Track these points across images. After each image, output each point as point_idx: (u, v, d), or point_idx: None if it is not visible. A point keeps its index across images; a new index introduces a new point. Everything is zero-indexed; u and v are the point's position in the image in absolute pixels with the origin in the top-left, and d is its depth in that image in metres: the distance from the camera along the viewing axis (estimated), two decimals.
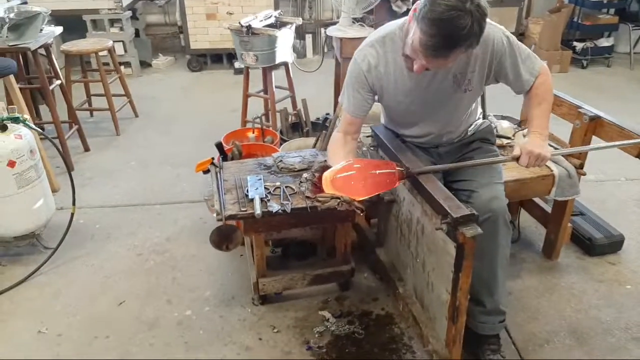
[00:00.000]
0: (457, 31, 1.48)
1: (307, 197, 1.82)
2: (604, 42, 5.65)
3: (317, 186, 1.82)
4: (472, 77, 1.84)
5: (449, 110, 1.94)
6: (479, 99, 2.14)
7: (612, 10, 5.67)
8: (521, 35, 5.88)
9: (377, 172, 1.75)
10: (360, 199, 1.78)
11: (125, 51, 5.41)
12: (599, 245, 2.55)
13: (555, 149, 2.36)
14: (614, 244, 2.59)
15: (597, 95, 4.88)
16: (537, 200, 2.62)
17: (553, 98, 1.91)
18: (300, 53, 6.06)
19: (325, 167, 1.84)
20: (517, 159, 1.79)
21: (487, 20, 1.79)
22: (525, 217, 2.77)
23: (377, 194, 1.81)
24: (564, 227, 2.45)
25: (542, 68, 1.87)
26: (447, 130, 2.03)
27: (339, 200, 1.76)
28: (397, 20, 1.85)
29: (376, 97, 1.96)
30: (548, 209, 2.53)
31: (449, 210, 1.54)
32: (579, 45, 5.58)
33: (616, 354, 2.04)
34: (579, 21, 5.60)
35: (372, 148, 2.20)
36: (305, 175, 2.05)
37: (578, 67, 5.64)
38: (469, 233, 1.50)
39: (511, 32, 6.17)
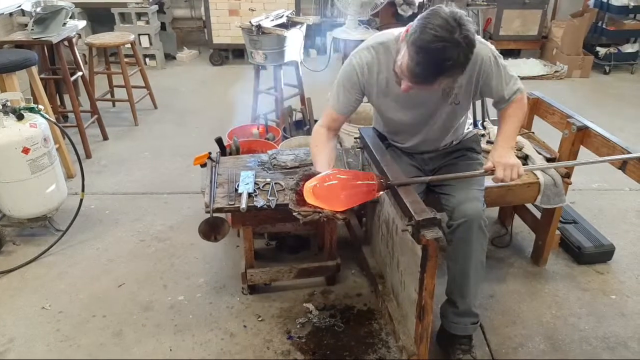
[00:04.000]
0: (442, 62, 1.53)
1: (290, 210, 1.78)
2: (629, 48, 5.54)
3: (301, 195, 1.78)
4: (459, 92, 1.89)
5: (436, 121, 1.99)
6: (469, 111, 2.20)
7: (638, 16, 5.54)
8: (544, 38, 5.81)
9: (358, 183, 1.77)
10: (341, 210, 1.77)
11: (151, 44, 5.60)
12: (588, 254, 2.56)
13: (548, 159, 2.41)
14: (604, 254, 2.59)
15: (616, 103, 4.83)
16: (529, 206, 2.66)
17: (524, 118, 1.99)
18: (321, 50, 6.14)
19: (309, 176, 1.80)
20: (492, 170, 1.82)
21: (478, 38, 1.84)
22: (519, 222, 2.80)
23: (357, 205, 1.81)
24: (552, 234, 2.48)
25: (520, 90, 1.93)
26: (433, 140, 2.09)
27: (320, 215, 1.74)
28: (394, 31, 1.89)
29: (365, 99, 2.04)
30: (539, 215, 2.56)
31: (413, 213, 1.61)
32: (602, 51, 5.49)
33: None
34: (604, 26, 5.51)
35: (358, 149, 2.27)
36: (290, 183, 1.92)
37: (600, 73, 5.56)
38: (429, 235, 1.56)
39: (534, 36, 6.16)
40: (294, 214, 1.77)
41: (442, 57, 1.52)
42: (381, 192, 1.86)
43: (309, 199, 1.74)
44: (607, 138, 2.15)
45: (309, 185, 1.75)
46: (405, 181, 1.83)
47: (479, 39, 1.85)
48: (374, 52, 1.89)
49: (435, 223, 1.60)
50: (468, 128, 2.22)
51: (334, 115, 2.00)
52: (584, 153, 2.33)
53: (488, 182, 2.08)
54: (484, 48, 1.83)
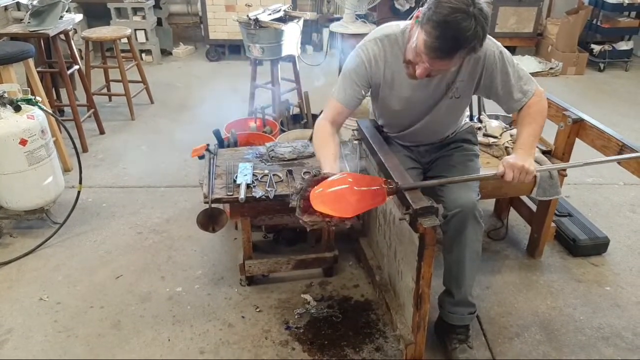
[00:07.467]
0: (461, 33, 1.52)
1: (298, 218, 1.66)
2: (623, 46, 5.58)
3: (309, 201, 1.64)
4: (460, 86, 1.89)
5: (435, 114, 2.00)
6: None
7: (632, 14, 5.58)
8: (539, 35, 5.84)
9: (367, 188, 1.67)
10: (350, 216, 1.66)
11: (147, 39, 5.60)
12: (583, 246, 2.58)
13: (544, 152, 2.42)
14: (598, 246, 2.62)
15: (611, 100, 4.86)
16: (524, 199, 2.68)
17: (545, 121, 1.91)
18: (317, 46, 6.15)
19: (317, 181, 1.67)
20: (502, 176, 1.77)
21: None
22: (514, 215, 2.82)
23: (366, 210, 1.73)
24: (547, 226, 2.50)
25: (537, 91, 1.90)
26: (431, 133, 2.11)
27: (329, 223, 1.65)
28: (400, 23, 1.89)
29: (369, 93, 2.03)
30: (534, 208, 2.58)
31: (410, 202, 1.63)
32: (596, 48, 5.52)
33: (584, 352, 2.09)
34: (598, 23, 5.54)
35: (355, 141, 2.28)
36: (298, 186, 1.74)
37: (595, 70, 5.59)
38: (426, 223, 1.58)
39: (529, 33, 6.17)
40: (301, 222, 1.67)
41: (460, 27, 1.51)
42: (390, 197, 1.75)
43: (318, 206, 1.62)
44: (602, 130, 2.17)
45: (316, 192, 1.64)
46: (415, 185, 1.77)
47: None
48: (381, 44, 1.88)
49: (433, 211, 1.62)
50: (465, 120, 2.24)
51: (340, 108, 1.96)
52: (579, 145, 2.36)
53: (483, 173, 2.09)
54: (491, 44, 1.82)
